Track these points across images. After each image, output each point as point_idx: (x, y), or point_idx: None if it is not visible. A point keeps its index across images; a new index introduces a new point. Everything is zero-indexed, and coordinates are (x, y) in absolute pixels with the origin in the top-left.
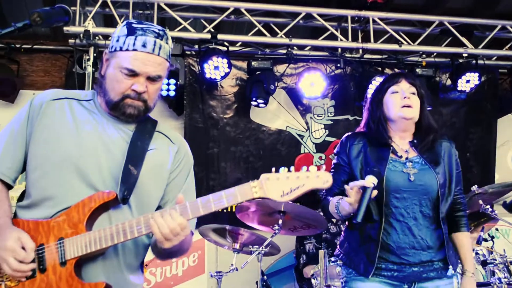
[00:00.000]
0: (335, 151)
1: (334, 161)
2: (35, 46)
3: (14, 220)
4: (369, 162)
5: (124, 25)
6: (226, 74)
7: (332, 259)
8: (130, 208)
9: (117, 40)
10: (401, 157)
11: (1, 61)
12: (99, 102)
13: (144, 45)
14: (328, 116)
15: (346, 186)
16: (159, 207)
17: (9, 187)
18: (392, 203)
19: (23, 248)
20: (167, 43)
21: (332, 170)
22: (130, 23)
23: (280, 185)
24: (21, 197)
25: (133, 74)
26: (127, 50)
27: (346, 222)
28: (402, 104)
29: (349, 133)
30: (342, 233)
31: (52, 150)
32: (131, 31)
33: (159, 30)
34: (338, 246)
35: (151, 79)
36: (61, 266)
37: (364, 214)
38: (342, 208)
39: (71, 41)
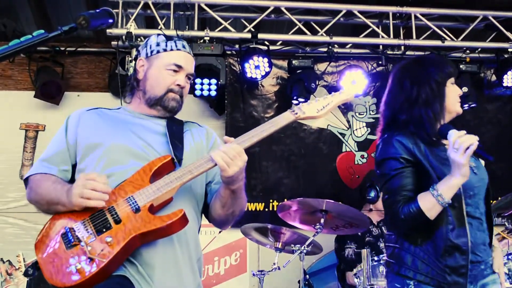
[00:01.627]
0: (388, 155)
1: (386, 167)
2: (79, 49)
3: None
4: (434, 165)
5: (160, 35)
6: (267, 73)
7: (375, 258)
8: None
9: (158, 45)
10: None
11: (46, 64)
12: (129, 109)
13: (184, 47)
14: (369, 114)
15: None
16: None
17: None
18: (466, 202)
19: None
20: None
21: (393, 176)
22: (164, 34)
23: (313, 106)
24: None
25: (178, 69)
26: (171, 50)
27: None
28: (458, 99)
29: (399, 135)
30: (395, 245)
31: (103, 144)
32: (168, 38)
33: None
34: (392, 260)
35: (188, 77)
36: (135, 213)
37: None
38: (448, 188)
39: (113, 43)
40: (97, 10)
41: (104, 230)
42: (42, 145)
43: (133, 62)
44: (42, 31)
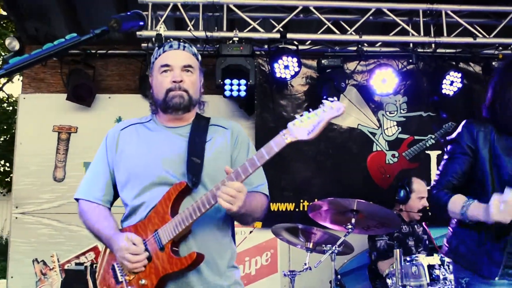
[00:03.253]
0: (452, 136)
1: (449, 148)
2: (109, 51)
3: (120, 231)
4: (498, 154)
5: (156, 48)
6: (296, 73)
7: (408, 258)
8: (206, 189)
9: (153, 57)
10: None
11: (78, 66)
12: (157, 119)
13: (170, 46)
14: (400, 112)
15: (495, 198)
16: None
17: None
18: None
19: (134, 244)
20: (191, 47)
21: (447, 158)
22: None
23: (305, 126)
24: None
25: (168, 68)
26: (159, 55)
27: (454, 220)
28: None
29: (471, 119)
30: (450, 229)
31: (131, 169)
32: (159, 47)
33: (181, 41)
34: (446, 244)
35: (184, 69)
36: (161, 251)
37: None
38: (471, 214)
39: (143, 45)
40: (128, 13)
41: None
42: (75, 147)
43: None
44: (75, 34)
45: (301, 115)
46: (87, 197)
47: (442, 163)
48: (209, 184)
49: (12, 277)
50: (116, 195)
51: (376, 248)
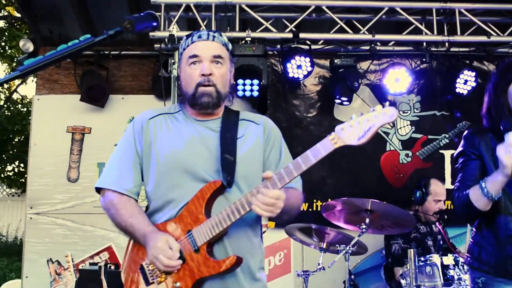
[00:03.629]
0: (457, 151)
1: (459, 160)
2: (122, 52)
3: None
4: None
5: (184, 37)
6: (309, 73)
7: (422, 258)
8: (239, 189)
9: (181, 47)
10: None
11: (91, 67)
12: (186, 110)
13: (200, 37)
14: (414, 112)
15: (500, 149)
16: None
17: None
18: None
19: (170, 248)
20: (221, 36)
21: (460, 168)
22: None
23: (355, 131)
24: (146, 207)
25: (196, 59)
26: (187, 46)
27: (474, 228)
28: None
29: (473, 128)
30: (471, 239)
31: (160, 161)
32: (188, 36)
33: (211, 30)
34: (468, 254)
35: (214, 61)
36: (196, 253)
37: None
38: (490, 184)
39: (156, 46)
40: (142, 14)
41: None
42: (89, 147)
43: (176, 64)
44: (88, 35)
45: (351, 119)
46: (117, 188)
47: (458, 175)
48: (241, 184)
49: (27, 277)
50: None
51: (391, 252)
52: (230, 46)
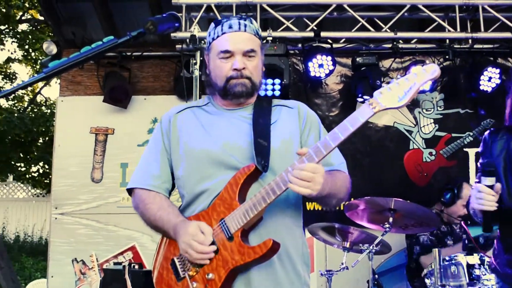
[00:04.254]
0: (479, 150)
1: (480, 161)
2: (144, 53)
3: None
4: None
5: (212, 23)
6: (331, 72)
7: (447, 258)
8: (274, 175)
9: (209, 35)
10: None
11: (113, 69)
12: (216, 102)
13: (230, 27)
14: (437, 110)
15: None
16: None
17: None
18: None
19: (202, 232)
20: (251, 23)
21: (479, 172)
22: (217, 19)
23: (394, 93)
24: (179, 206)
25: (228, 54)
26: (217, 37)
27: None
28: None
29: (492, 129)
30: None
31: (190, 152)
32: (217, 23)
33: (242, 15)
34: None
35: (246, 54)
36: (229, 241)
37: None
38: (471, 206)
39: (178, 46)
40: (164, 15)
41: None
42: (112, 148)
43: (197, 64)
44: (112, 37)
45: (388, 83)
46: (144, 185)
47: (476, 176)
48: (277, 169)
49: (52, 276)
50: (173, 185)
51: (419, 243)
52: (260, 32)
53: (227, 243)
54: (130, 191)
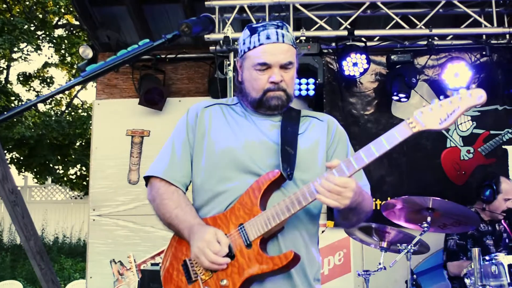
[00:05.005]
0: None
1: None
2: (178, 55)
3: None
4: None
5: (246, 29)
6: (365, 70)
7: (487, 257)
8: (296, 184)
9: (244, 43)
10: None
11: (148, 71)
12: (245, 104)
13: (268, 37)
14: (474, 107)
15: None
16: None
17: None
18: None
19: (218, 242)
20: (288, 31)
21: None
22: (250, 25)
23: (436, 114)
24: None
25: (266, 67)
26: (254, 47)
27: None
28: None
29: None
30: None
31: (213, 150)
32: (253, 31)
33: (277, 22)
34: None
35: (284, 67)
36: (247, 248)
37: None
38: None
39: (211, 48)
40: (198, 17)
41: None
42: (148, 150)
43: (231, 65)
44: (147, 40)
45: (430, 103)
46: (165, 177)
47: None
48: (299, 180)
49: (91, 277)
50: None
51: (446, 247)
52: (294, 40)
53: (244, 250)
54: (147, 180)
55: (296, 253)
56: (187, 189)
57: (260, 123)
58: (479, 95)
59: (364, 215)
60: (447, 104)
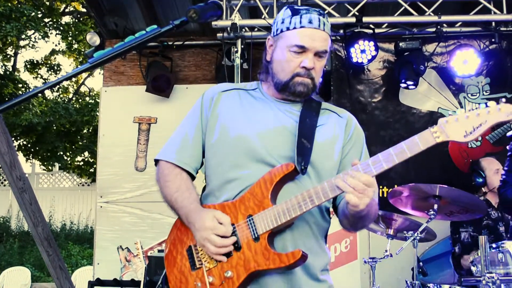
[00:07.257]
0: (510, 133)
1: (510, 145)
2: (186, 42)
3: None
4: None
5: (287, 8)
6: (373, 57)
7: (494, 245)
8: (310, 178)
9: (282, 22)
10: None
11: (156, 58)
12: (265, 89)
13: (310, 22)
14: (483, 95)
15: None
16: None
17: (192, 177)
18: None
19: (221, 223)
20: (327, 21)
21: (509, 155)
22: (292, 6)
23: (461, 126)
24: (204, 188)
25: (302, 50)
26: (294, 28)
27: None
28: None
29: None
30: None
31: (226, 136)
32: (295, 12)
33: (319, 10)
34: None
35: (318, 54)
36: (255, 242)
37: None
38: None
39: (219, 35)
40: (206, 3)
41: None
42: (155, 137)
43: (238, 52)
44: (155, 26)
45: (455, 112)
46: (171, 159)
47: (506, 161)
48: (312, 173)
49: (98, 263)
50: (202, 163)
51: (460, 240)
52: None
53: (252, 243)
54: (156, 162)
55: (304, 253)
56: (197, 172)
57: (278, 110)
58: (509, 111)
59: (369, 222)
60: (474, 116)
